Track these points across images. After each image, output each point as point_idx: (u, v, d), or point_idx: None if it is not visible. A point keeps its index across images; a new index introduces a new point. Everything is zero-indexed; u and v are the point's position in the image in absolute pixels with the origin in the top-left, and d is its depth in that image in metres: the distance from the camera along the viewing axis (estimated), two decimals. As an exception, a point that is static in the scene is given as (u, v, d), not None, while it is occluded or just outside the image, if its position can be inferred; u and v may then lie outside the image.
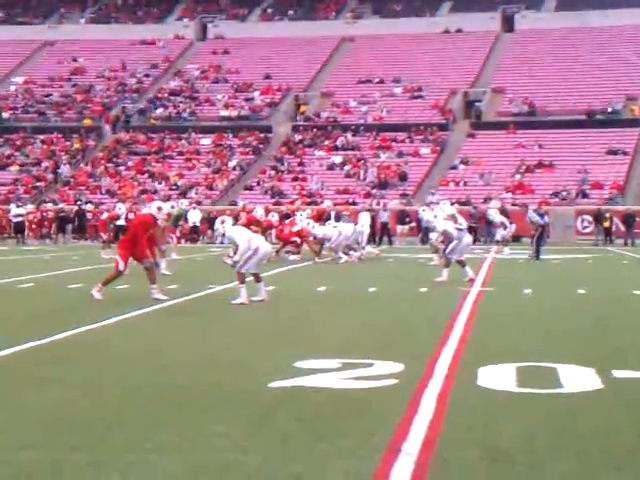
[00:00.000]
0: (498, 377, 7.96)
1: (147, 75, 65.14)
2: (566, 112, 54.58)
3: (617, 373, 8.19)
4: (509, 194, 47.32)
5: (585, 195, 46.77)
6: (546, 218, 30.44)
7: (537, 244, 28.31)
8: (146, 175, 53.04)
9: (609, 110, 54.67)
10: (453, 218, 19.41)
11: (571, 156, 50.39)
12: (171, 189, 50.54)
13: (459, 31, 66.05)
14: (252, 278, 14.70)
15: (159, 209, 15.89)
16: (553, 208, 43.60)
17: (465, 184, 49.22)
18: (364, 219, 28.92)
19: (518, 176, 49.40)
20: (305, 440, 5.90)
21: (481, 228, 40.93)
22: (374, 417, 6.57)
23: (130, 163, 54.68)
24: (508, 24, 67.14)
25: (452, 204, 31.48)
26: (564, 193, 46.79)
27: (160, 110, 60.68)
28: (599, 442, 5.90)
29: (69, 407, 6.83)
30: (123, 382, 7.81)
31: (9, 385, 7.70)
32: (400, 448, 5.64)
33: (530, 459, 5.50)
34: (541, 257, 27.86)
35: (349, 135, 55.24)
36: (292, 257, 27.52)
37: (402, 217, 42.06)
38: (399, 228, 41.52)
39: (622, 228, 41.16)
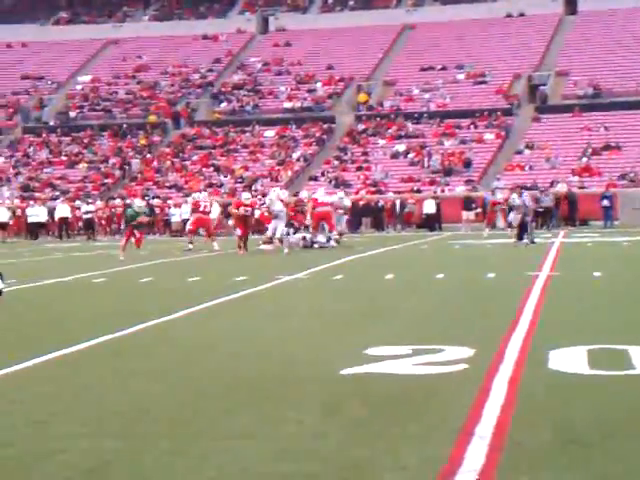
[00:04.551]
0: (569, 360, 7.95)
1: (210, 70, 65.61)
2: (632, 93, 53.85)
3: (690, 354, 8.12)
4: (576, 177, 46.86)
5: (654, 176, 46.17)
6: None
7: (525, 228, 27.63)
8: (211, 169, 53.49)
9: (676, 90, 53.83)
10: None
11: (638, 137, 49.70)
12: (237, 182, 50.91)
13: (522, 15, 65.48)
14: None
15: None
16: (621, 190, 43.10)
17: (531, 168, 48.85)
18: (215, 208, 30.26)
19: (584, 159, 48.89)
20: (378, 425, 5.96)
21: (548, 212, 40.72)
22: (446, 402, 6.60)
23: (195, 157, 55.17)
24: (571, 6, 66.35)
25: (513, 189, 31.30)
26: (632, 175, 46.19)
27: (224, 104, 61.10)
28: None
29: (147, 397, 6.97)
30: (198, 371, 7.94)
31: (89, 377, 7.88)
32: (473, 432, 5.66)
33: (605, 441, 5.49)
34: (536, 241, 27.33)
35: (412, 123, 55.10)
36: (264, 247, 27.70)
37: (468, 203, 41.90)
38: (465, 214, 41.37)
39: (692, 208, 40.54)
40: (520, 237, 27.43)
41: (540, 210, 40.49)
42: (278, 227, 26.97)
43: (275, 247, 26.94)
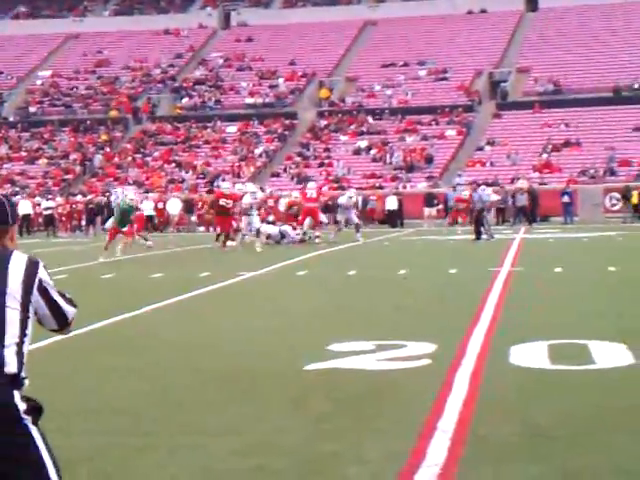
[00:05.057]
0: (530, 355, 8.04)
1: (172, 65, 65.35)
2: (592, 90, 54.26)
3: (649, 348, 8.24)
4: (536, 174, 47.19)
5: (613, 173, 46.54)
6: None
7: (481, 224, 27.98)
8: (173, 165, 53.30)
9: (635, 86, 54.30)
10: None
11: (598, 134, 50.13)
12: (198, 178, 50.80)
13: (483, 11, 65.74)
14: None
15: None
16: (581, 186, 43.49)
17: (492, 165, 49.13)
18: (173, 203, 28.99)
19: (545, 155, 49.25)
20: (342, 420, 6.01)
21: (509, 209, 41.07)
22: (409, 397, 6.67)
23: (157, 153, 54.96)
24: (532, 3, 66.70)
25: (479, 184, 31.66)
26: (592, 171, 46.59)
27: (185, 99, 60.90)
28: (634, 416, 5.97)
29: (123, 393, 6.98)
30: (165, 368, 7.95)
31: (63, 371, 7.86)
32: (436, 426, 5.73)
33: (567, 435, 5.57)
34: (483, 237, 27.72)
35: (374, 119, 55.22)
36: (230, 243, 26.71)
37: (429, 200, 42.08)
38: (426, 210, 41.54)
39: (651, 205, 40.98)
40: (478, 234, 27.68)
41: (501, 207, 40.82)
42: (252, 222, 25.90)
43: (239, 243, 26.39)
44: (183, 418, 6.18)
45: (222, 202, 25.86)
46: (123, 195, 23.18)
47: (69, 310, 3.41)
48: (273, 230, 28.54)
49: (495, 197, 34.84)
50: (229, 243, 26.47)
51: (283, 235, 28.13)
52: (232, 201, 25.85)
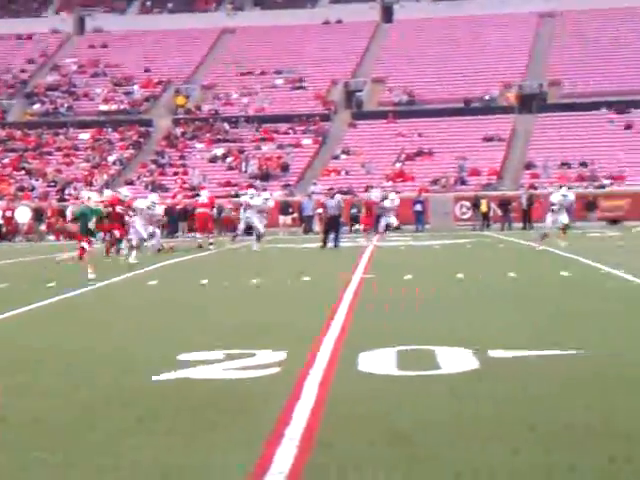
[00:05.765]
0: (379, 361, 8.11)
1: (23, 70, 63.83)
2: (444, 100, 55.52)
3: (493, 353, 8.42)
4: (390, 182, 47.93)
5: (463, 182, 47.68)
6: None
7: (336, 230, 28.71)
8: (23, 172, 52.01)
9: (486, 98, 55.82)
10: None
11: (449, 144, 51.30)
12: (49, 186, 49.70)
13: (339, 22, 66.48)
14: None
15: None
16: (432, 195, 44.39)
17: (347, 173, 49.68)
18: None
19: (398, 164, 50.08)
20: (190, 432, 5.93)
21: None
22: (257, 406, 6.63)
23: (6, 160, 53.55)
24: (387, 14, 67.83)
25: (336, 194, 32.04)
26: (443, 180, 47.61)
27: (37, 105, 59.56)
28: (483, 421, 6.06)
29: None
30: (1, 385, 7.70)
31: None
32: (283, 434, 5.71)
33: (412, 440, 5.62)
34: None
35: (231, 127, 55.15)
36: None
37: (285, 208, 42.24)
38: (281, 219, 41.71)
39: (499, 213, 42.18)
40: (325, 241, 28.08)
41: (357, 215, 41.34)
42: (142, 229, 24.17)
43: (72, 256, 25.77)
44: (20, 433, 5.99)
45: (119, 209, 24.54)
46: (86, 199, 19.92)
47: None
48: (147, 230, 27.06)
49: (397, 202, 34.97)
50: (65, 255, 25.64)
51: (152, 236, 27.11)
52: (128, 207, 24.66)
